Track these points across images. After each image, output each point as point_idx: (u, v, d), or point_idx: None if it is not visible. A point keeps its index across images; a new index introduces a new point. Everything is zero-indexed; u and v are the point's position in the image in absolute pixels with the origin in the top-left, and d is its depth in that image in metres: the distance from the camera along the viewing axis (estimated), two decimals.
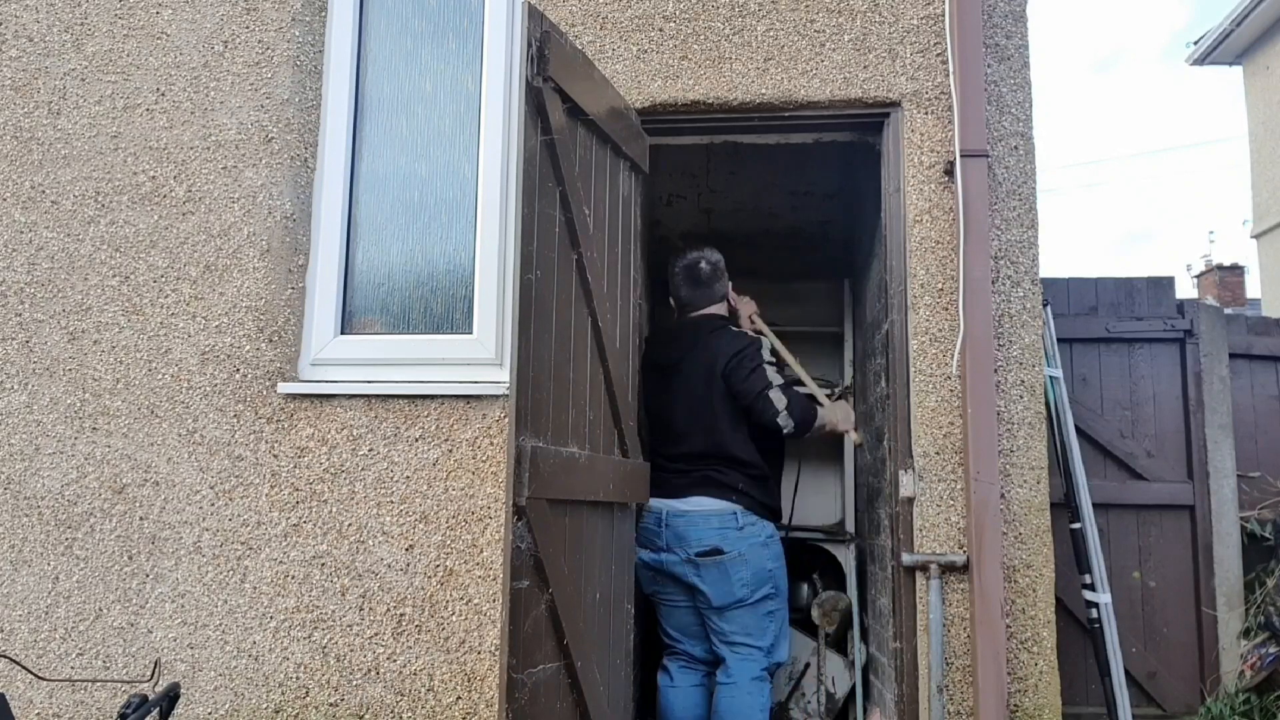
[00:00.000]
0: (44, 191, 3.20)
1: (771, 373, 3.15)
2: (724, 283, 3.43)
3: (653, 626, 3.53)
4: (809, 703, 3.84)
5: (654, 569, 3.19)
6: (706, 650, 3.24)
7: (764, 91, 3.02)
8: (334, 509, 2.93)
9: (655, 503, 3.16)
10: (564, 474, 2.34)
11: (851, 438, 3.55)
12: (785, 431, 3.08)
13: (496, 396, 2.89)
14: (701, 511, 3.13)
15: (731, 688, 3.10)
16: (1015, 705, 2.68)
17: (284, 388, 2.98)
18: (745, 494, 3.16)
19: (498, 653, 2.76)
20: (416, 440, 2.93)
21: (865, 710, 3.63)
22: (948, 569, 2.73)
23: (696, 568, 3.10)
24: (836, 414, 3.36)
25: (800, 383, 3.53)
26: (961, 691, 2.70)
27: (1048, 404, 2.98)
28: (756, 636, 3.14)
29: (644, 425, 3.25)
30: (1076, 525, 3.12)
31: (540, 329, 2.30)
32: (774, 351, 3.31)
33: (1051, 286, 3.92)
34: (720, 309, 3.44)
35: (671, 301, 3.50)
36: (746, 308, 3.59)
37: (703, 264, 3.37)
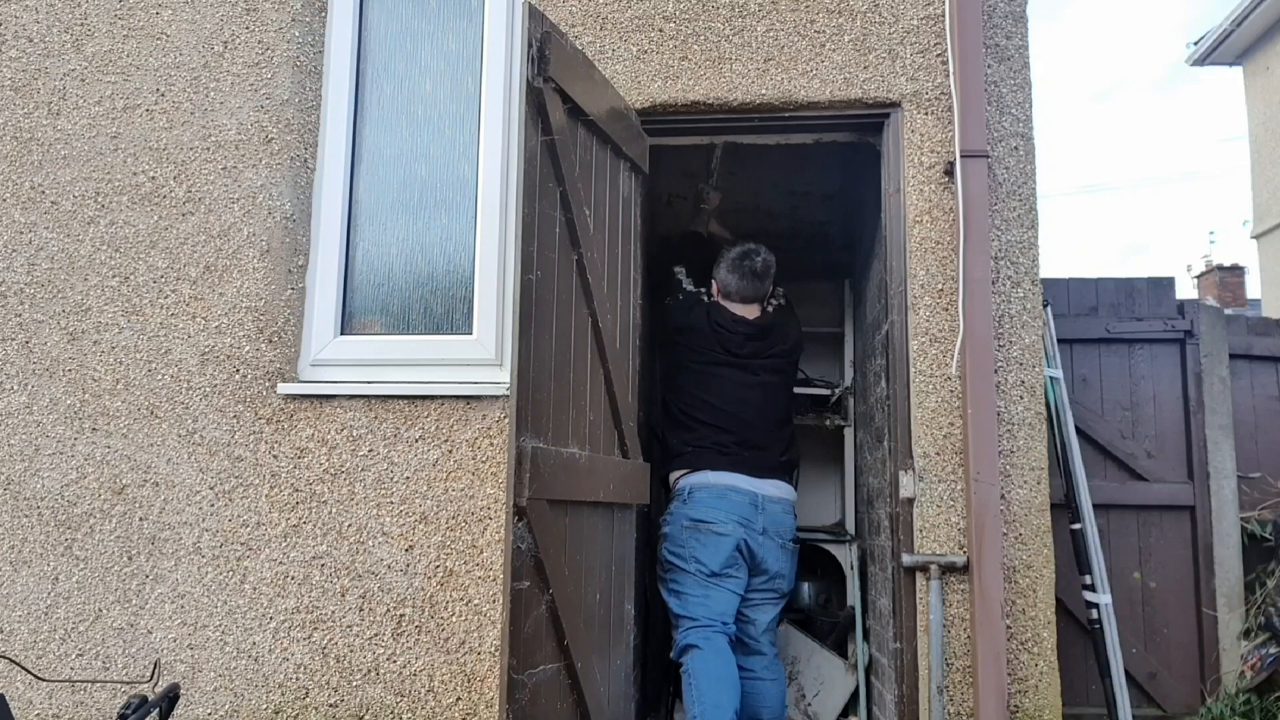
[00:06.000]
0: (44, 192, 3.20)
1: None
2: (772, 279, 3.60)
3: (651, 626, 3.51)
4: (809, 705, 3.84)
5: (745, 550, 3.17)
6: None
7: (764, 92, 3.02)
8: (334, 510, 2.93)
9: (744, 482, 3.20)
10: (564, 474, 2.34)
11: None
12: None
13: (496, 397, 2.89)
14: (787, 500, 3.30)
15: (778, 684, 3.19)
16: (1015, 706, 2.68)
17: (284, 388, 2.98)
18: (793, 484, 3.39)
19: (498, 653, 2.76)
20: (416, 441, 2.92)
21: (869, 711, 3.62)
22: (948, 570, 2.72)
23: (788, 555, 3.25)
24: None
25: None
26: (962, 692, 2.70)
27: (1048, 404, 2.98)
28: (776, 630, 3.30)
29: (697, 405, 3.39)
30: (1077, 526, 3.11)
31: (540, 329, 2.30)
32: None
33: (1052, 287, 3.92)
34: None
35: (718, 289, 3.59)
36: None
37: (760, 258, 3.52)
